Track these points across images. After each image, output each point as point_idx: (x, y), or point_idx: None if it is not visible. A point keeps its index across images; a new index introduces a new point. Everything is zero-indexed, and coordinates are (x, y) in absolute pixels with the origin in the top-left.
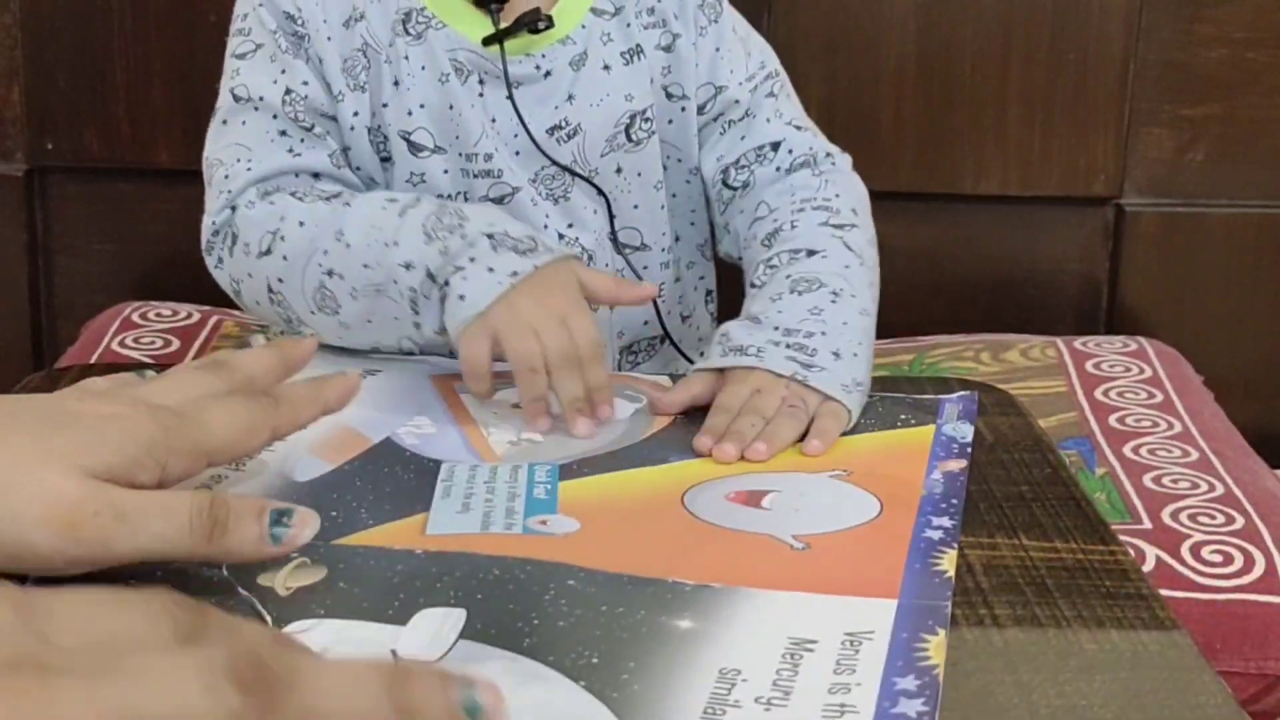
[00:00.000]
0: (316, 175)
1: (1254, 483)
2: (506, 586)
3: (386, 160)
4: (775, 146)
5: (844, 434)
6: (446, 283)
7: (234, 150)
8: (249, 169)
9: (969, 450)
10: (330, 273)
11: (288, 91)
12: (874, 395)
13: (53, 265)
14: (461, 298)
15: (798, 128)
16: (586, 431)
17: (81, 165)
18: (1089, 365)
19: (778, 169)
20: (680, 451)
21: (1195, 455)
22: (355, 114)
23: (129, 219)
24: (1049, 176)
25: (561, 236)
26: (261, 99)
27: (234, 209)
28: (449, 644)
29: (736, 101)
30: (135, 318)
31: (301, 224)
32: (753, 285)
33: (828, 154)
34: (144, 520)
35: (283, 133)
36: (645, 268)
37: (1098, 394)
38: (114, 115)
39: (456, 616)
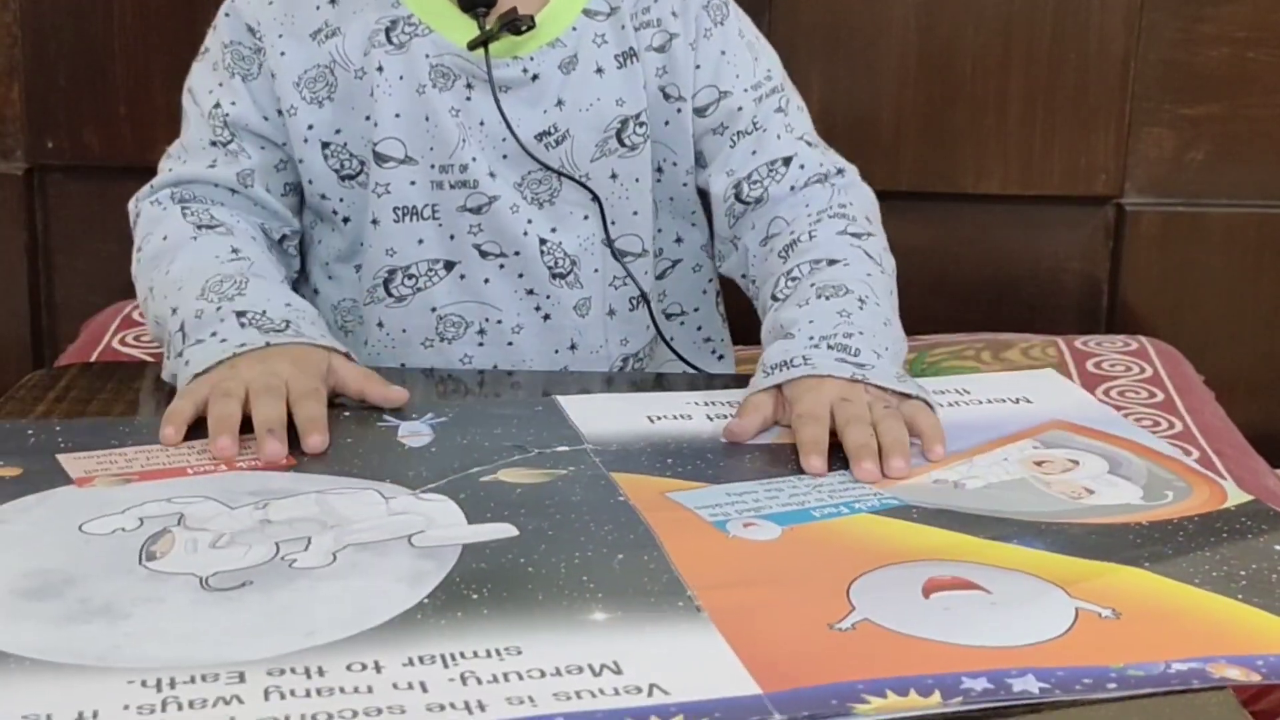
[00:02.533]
0: (233, 190)
1: (1254, 482)
2: (579, 538)
3: (350, 178)
4: (787, 162)
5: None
6: (180, 354)
7: (177, 146)
8: (170, 169)
9: None
10: (151, 289)
11: (216, 105)
12: None
13: (53, 265)
14: (187, 363)
15: (809, 144)
16: (274, 453)
17: (81, 164)
18: (1090, 364)
19: (791, 187)
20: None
21: (1196, 454)
22: (310, 127)
23: (129, 218)
24: (1050, 176)
25: (544, 241)
26: (196, 102)
27: (153, 202)
28: (455, 543)
29: (740, 109)
30: (135, 316)
31: (165, 239)
32: (774, 299)
33: (839, 170)
34: None
35: (213, 143)
36: (646, 273)
37: (1098, 393)
38: (114, 115)
39: (500, 534)
